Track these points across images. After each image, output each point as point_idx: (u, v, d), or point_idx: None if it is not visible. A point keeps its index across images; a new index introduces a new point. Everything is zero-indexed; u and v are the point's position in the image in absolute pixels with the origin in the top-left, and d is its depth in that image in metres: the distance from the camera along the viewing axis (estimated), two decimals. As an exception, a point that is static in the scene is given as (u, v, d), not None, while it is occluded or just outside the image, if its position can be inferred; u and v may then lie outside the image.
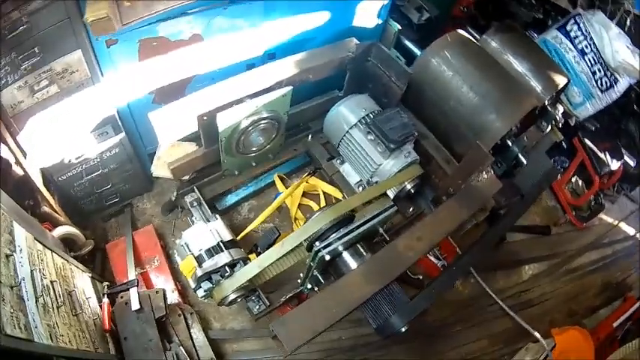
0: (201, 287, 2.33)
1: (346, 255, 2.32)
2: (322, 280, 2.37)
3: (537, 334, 3.09)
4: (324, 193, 3.27)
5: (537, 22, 3.95)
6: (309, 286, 2.45)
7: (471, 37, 3.23)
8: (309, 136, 3.25)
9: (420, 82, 3.00)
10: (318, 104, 3.16)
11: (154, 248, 2.97)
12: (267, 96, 2.58)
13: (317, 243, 2.20)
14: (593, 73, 3.53)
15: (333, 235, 2.25)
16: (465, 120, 2.92)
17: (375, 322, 2.26)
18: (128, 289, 2.56)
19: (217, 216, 2.62)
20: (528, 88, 3.15)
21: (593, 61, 3.51)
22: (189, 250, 2.34)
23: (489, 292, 3.38)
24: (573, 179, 4.16)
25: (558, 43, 3.63)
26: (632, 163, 3.98)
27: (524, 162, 3.14)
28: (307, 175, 3.19)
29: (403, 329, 2.16)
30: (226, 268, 2.30)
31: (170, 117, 2.45)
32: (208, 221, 2.64)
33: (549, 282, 3.75)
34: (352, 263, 2.32)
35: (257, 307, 2.62)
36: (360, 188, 3.03)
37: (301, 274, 2.41)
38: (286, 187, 3.21)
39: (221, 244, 2.35)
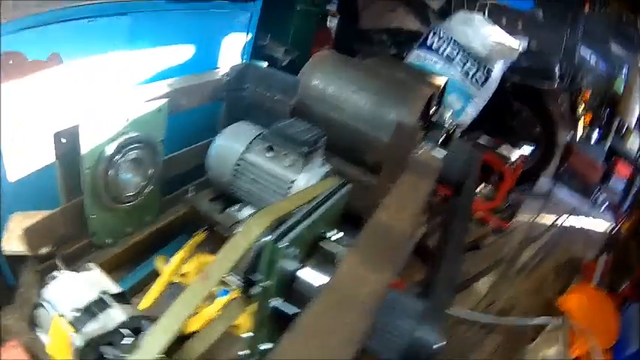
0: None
1: (307, 272, 1.44)
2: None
3: (543, 318, 2.56)
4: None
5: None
6: (264, 347, 1.51)
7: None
8: (190, 191, 2.40)
9: (304, 105, 2.55)
10: (195, 149, 2.44)
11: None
12: (139, 108, 1.90)
13: (268, 238, 1.33)
14: (466, 73, 3.52)
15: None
16: (369, 123, 2.50)
17: (393, 353, 1.38)
18: None
19: (93, 264, 1.64)
20: (416, 84, 2.96)
21: (463, 62, 3.51)
22: (53, 311, 1.39)
23: (465, 315, 2.82)
24: (481, 186, 4.04)
25: (422, 60, 3.63)
26: (529, 150, 4.04)
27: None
28: (201, 232, 2.32)
29: (439, 344, 1.33)
30: (123, 333, 1.35)
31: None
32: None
33: (508, 287, 3.46)
34: (321, 278, 1.44)
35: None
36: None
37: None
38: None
39: (106, 297, 1.44)
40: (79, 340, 1.30)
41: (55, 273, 1.54)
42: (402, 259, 1.55)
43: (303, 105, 2.47)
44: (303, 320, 1.15)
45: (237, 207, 2.31)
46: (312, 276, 1.47)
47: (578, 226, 4.69)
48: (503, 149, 3.80)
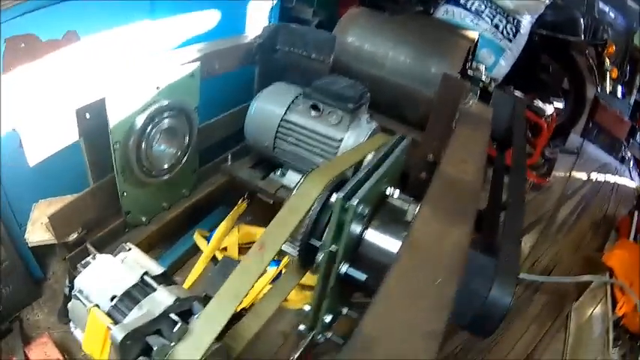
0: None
1: (374, 234, 1.33)
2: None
3: (588, 277, 2.49)
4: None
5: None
6: (327, 319, 1.37)
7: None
8: (229, 160, 2.26)
9: (341, 62, 2.43)
10: (230, 116, 2.31)
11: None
12: (170, 74, 1.77)
13: (334, 195, 1.17)
14: (496, 26, 3.35)
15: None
16: (411, 78, 2.42)
17: (463, 314, 1.28)
18: None
19: (130, 244, 1.40)
20: (452, 38, 2.79)
21: (491, 15, 3.35)
22: (88, 302, 1.17)
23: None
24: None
25: (450, 15, 3.46)
26: (560, 105, 3.88)
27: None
28: (241, 201, 2.26)
29: (509, 302, 1.24)
30: (172, 319, 1.14)
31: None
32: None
33: (549, 245, 3.30)
34: (392, 242, 1.32)
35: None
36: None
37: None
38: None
39: (148, 279, 1.22)
40: (119, 333, 1.05)
41: (88, 259, 1.32)
42: (475, 212, 1.42)
43: (339, 62, 2.34)
44: (390, 284, 1.04)
45: (279, 172, 2.20)
46: (379, 238, 1.37)
47: (609, 182, 4.54)
48: (539, 104, 3.64)
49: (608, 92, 5.44)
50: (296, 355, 1.36)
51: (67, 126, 1.72)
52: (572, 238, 3.44)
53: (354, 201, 1.16)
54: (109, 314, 1.15)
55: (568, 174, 4.15)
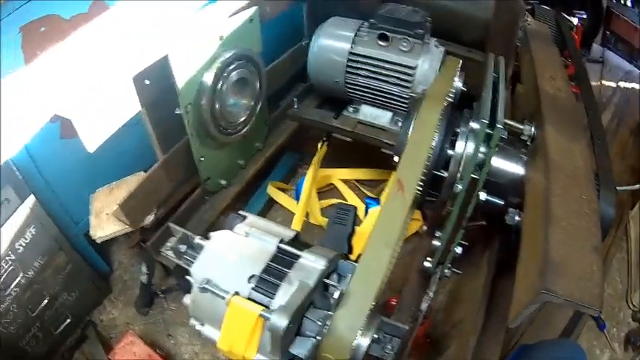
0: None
1: (497, 161, 1.26)
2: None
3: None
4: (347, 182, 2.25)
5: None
6: (459, 250, 1.32)
7: None
8: (295, 104, 2.13)
9: None
10: (288, 57, 2.18)
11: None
12: (229, 23, 1.61)
13: (481, 123, 1.08)
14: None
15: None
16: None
17: None
18: None
19: (243, 212, 1.19)
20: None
21: None
22: (222, 292, 0.96)
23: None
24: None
25: None
26: (584, 16, 3.76)
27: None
28: (323, 143, 2.16)
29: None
30: (329, 284, 1.01)
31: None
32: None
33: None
34: (510, 165, 1.28)
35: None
36: (399, 124, 2.02)
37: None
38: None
39: (285, 246, 1.05)
40: (281, 319, 0.87)
41: (197, 241, 1.11)
42: (582, 125, 1.36)
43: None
44: (553, 210, 1.00)
45: (351, 109, 2.09)
46: (504, 164, 1.30)
47: (635, 89, 4.46)
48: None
49: (619, 1, 5.27)
50: (432, 292, 1.31)
51: (123, 100, 1.59)
52: (616, 146, 3.39)
53: (500, 126, 1.07)
54: (251, 299, 0.96)
55: (599, 82, 4.04)
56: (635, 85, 4.53)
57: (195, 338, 1.94)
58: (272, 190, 2.17)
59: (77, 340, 1.96)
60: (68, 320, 1.90)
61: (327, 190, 2.39)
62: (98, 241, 1.66)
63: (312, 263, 1.00)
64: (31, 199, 1.59)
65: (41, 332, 1.78)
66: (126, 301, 2.10)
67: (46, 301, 1.76)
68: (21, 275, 1.63)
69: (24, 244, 1.61)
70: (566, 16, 3.62)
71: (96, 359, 1.86)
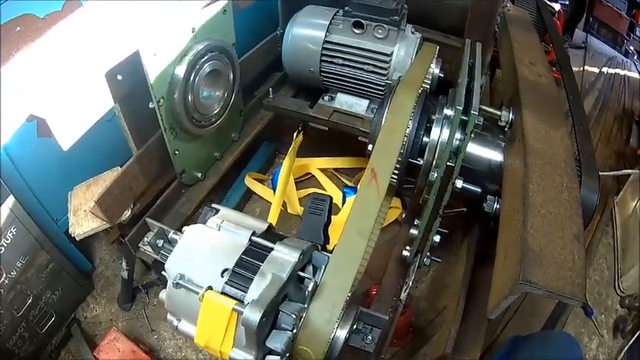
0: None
1: (472, 147, 1.24)
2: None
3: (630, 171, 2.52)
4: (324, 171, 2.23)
5: None
6: (437, 239, 1.29)
7: None
8: (270, 94, 2.10)
9: None
10: (262, 48, 2.12)
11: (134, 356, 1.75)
12: (201, 15, 1.56)
13: (448, 109, 1.10)
14: None
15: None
16: None
17: None
18: None
19: (216, 205, 1.14)
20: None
21: None
22: (196, 287, 0.93)
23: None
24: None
25: None
26: (566, 1, 3.76)
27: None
28: (299, 133, 2.13)
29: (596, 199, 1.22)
30: (302, 276, 0.96)
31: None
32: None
33: None
34: (486, 151, 1.26)
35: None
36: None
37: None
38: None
39: (259, 239, 1.01)
40: (254, 313, 0.84)
41: (172, 235, 1.09)
42: (563, 112, 1.33)
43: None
44: (531, 197, 0.97)
45: (327, 97, 2.06)
46: (481, 150, 1.27)
47: (619, 74, 4.46)
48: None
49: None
50: (410, 281, 1.29)
51: (95, 97, 1.55)
52: (600, 132, 3.38)
53: (475, 112, 1.04)
54: (224, 293, 0.93)
55: (582, 68, 4.03)
56: (619, 71, 4.54)
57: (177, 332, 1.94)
58: (249, 181, 2.14)
59: (63, 338, 1.95)
60: (53, 319, 1.89)
61: (305, 180, 2.37)
62: (78, 239, 1.61)
63: (284, 256, 0.96)
64: (10, 200, 1.57)
65: (27, 332, 1.78)
66: (109, 298, 2.09)
67: (30, 301, 1.75)
68: (4, 276, 1.62)
69: (5, 245, 1.60)
70: (547, 2, 3.60)
71: (82, 357, 1.84)
